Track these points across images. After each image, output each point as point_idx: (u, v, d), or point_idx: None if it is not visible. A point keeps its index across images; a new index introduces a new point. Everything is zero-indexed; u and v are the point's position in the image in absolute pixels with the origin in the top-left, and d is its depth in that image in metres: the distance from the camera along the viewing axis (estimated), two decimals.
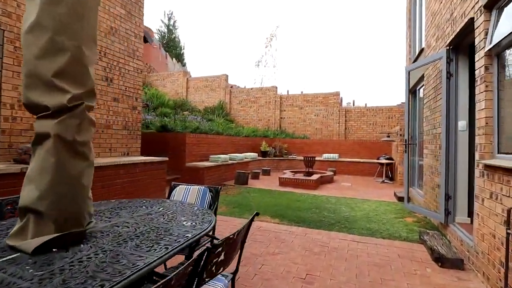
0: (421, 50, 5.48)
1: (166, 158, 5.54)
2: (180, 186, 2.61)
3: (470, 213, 3.61)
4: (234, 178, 7.90)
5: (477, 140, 2.79)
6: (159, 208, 2.05)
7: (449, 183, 3.65)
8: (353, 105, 13.48)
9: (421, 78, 5.52)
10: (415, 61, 6.06)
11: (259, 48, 55.50)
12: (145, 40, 6.75)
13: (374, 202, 6.00)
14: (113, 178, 4.41)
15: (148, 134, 7.95)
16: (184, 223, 1.73)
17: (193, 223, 1.72)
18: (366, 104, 12.68)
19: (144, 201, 2.27)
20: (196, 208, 2.10)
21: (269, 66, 27.75)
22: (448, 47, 3.73)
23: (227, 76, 15.09)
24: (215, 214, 2.47)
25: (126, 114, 5.51)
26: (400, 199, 6.10)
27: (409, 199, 4.73)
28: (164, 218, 1.81)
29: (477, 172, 2.77)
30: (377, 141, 11.10)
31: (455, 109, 3.64)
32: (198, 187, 2.56)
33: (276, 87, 14.02)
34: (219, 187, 2.52)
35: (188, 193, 2.53)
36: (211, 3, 71.21)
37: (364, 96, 54.32)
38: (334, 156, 11.05)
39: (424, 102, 4.98)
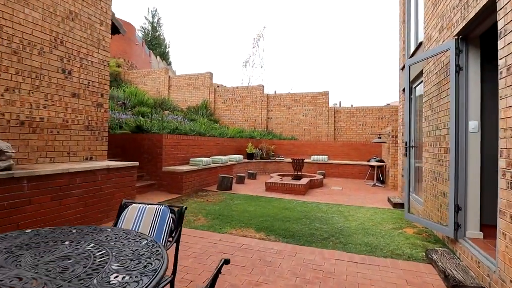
0: (419, 45, 5.06)
1: (136, 163, 4.85)
2: (133, 205, 1.98)
3: (483, 227, 3.16)
4: (217, 183, 7.27)
5: (502, 144, 2.31)
6: (88, 245, 1.42)
7: (458, 192, 3.19)
8: (339, 106, 13.11)
9: (419, 75, 5.10)
10: (411, 57, 5.65)
11: (246, 49, 55.01)
12: (116, 31, 6.01)
13: (368, 209, 5.53)
14: (67, 188, 3.69)
15: (122, 136, 7.19)
16: (113, 276, 1.11)
17: (127, 277, 1.10)
18: (352, 105, 12.34)
19: (74, 230, 1.63)
20: (144, 242, 1.48)
21: (256, 66, 27.19)
22: (457, 37, 3.27)
23: (211, 74, 14.39)
24: (178, 243, 1.86)
25: (89, 112, 4.77)
26: (396, 205, 5.67)
27: (409, 209, 4.26)
28: (85, 267, 1.18)
29: (502, 183, 2.29)
30: (367, 143, 10.74)
31: (466, 108, 3.19)
32: (156, 207, 1.93)
33: (263, 86, 13.47)
34: (183, 206, 1.91)
35: (142, 216, 1.90)
36: (198, 3, 70.08)
37: (351, 97, 54.78)
38: (323, 158, 10.61)
39: (424, 101, 4.54)
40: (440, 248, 3.18)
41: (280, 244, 3.52)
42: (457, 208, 3.18)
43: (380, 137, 8.77)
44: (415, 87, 5.70)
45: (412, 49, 5.87)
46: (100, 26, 5.02)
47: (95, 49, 4.89)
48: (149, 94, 13.69)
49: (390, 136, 8.06)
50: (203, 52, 64.03)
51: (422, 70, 4.71)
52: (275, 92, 13.70)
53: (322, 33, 70.27)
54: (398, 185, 6.75)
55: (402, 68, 6.46)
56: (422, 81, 4.98)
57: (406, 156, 4.29)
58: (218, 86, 15.55)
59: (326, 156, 10.68)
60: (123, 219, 1.92)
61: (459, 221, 3.18)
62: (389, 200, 6.20)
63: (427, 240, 3.79)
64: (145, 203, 2.00)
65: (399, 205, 5.65)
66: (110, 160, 5.35)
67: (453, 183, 3.20)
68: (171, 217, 1.87)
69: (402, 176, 6.43)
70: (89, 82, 4.76)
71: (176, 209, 1.91)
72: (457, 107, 3.21)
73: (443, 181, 3.63)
